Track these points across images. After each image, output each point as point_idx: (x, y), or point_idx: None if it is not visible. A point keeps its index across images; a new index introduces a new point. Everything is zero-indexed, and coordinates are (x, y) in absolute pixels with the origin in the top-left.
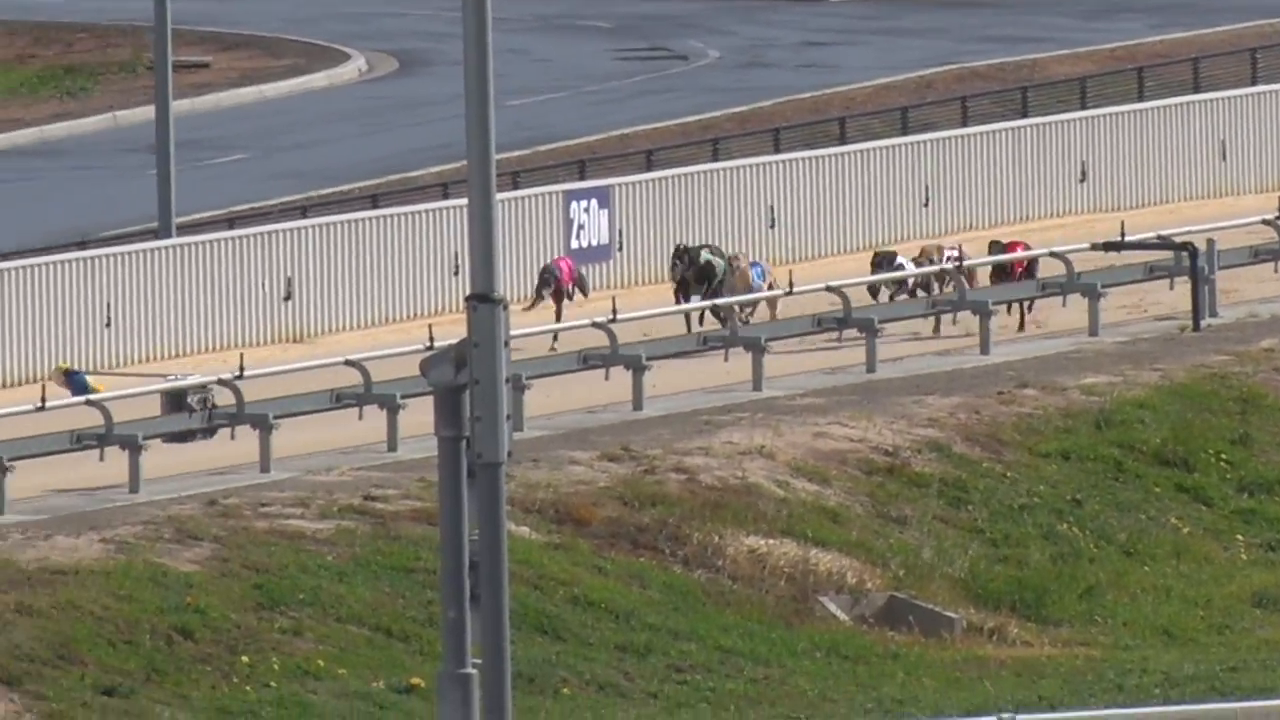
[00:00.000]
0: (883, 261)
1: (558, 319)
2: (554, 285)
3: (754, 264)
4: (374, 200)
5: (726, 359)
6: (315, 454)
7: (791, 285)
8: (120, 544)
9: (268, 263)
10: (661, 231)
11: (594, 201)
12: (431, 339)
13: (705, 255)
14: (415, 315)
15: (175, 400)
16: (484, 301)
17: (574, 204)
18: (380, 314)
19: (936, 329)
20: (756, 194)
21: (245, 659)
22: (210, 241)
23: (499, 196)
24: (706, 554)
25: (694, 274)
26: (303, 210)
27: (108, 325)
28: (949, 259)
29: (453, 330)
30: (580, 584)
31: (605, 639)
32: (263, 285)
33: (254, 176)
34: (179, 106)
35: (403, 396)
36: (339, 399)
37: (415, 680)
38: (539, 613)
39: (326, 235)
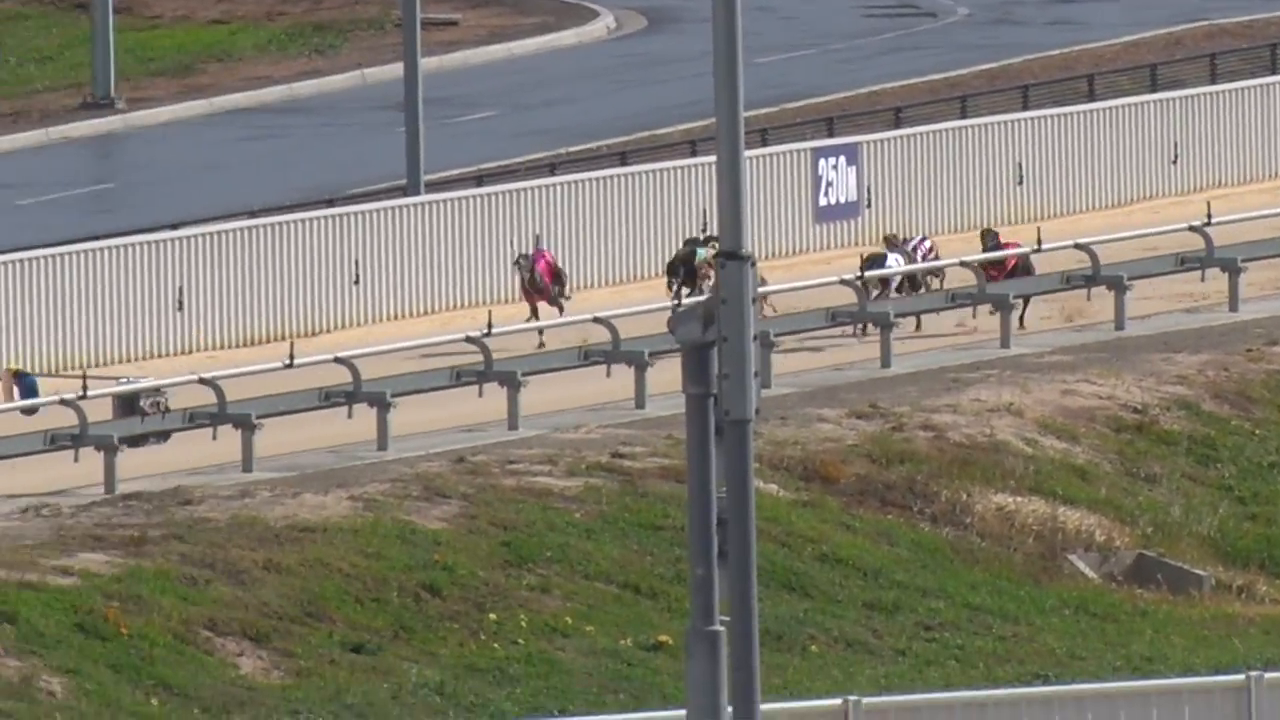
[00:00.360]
0: (873, 263)
1: (534, 316)
2: (529, 273)
3: None
4: (622, 158)
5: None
6: (563, 411)
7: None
8: (368, 501)
9: (516, 220)
10: (910, 188)
11: (842, 158)
12: (679, 296)
13: (701, 252)
14: (663, 272)
15: (128, 404)
16: (732, 258)
17: (822, 161)
18: (628, 271)
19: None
20: (1004, 151)
21: (493, 616)
22: (458, 199)
23: (747, 153)
24: (954, 511)
25: (680, 257)
26: (551, 168)
27: (356, 282)
28: (919, 251)
29: (702, 286)
30: (828, 541)
31: (853, 596)
32: (511, 242)
33: (502, 134)
34: (427, 64)
35: (651, 353)
36: (587, 356)
37: (663, 637)
38: (787, 570)
39: (574, 193)
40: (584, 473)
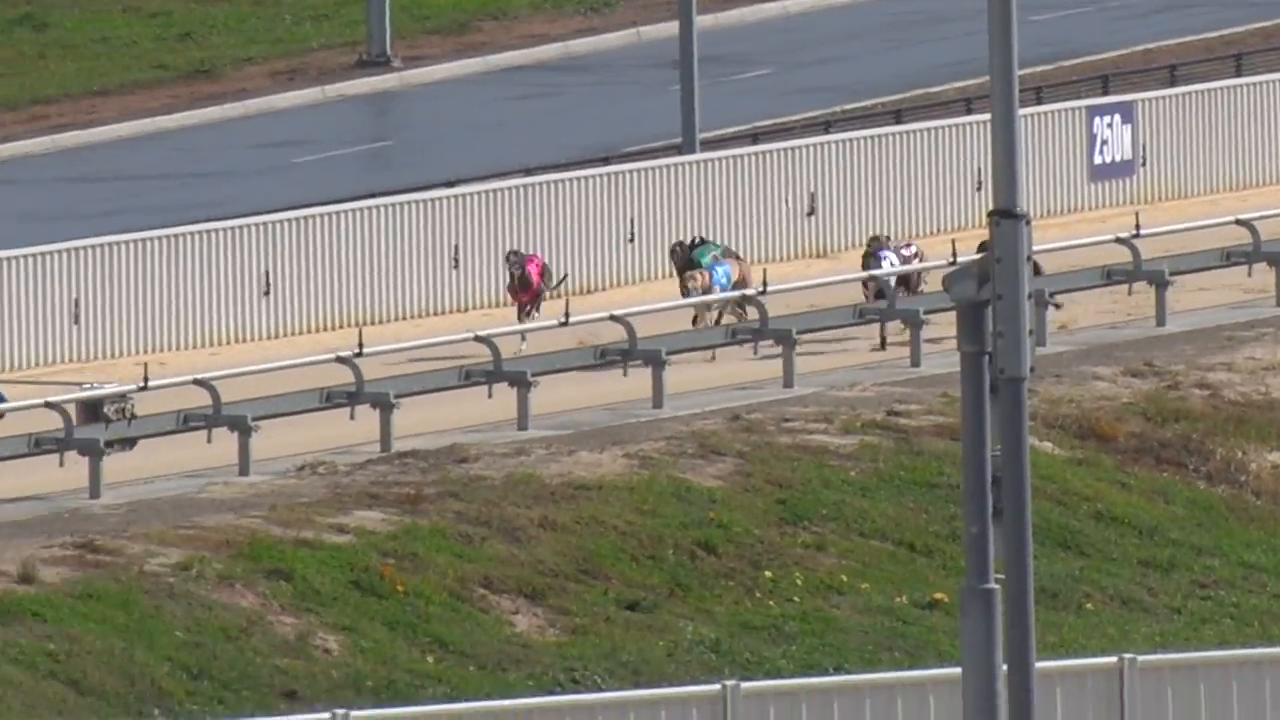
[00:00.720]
0: (872, 256)
1: (521, 317)
2: (520, 273)
3: (717, 263)
4: (897, 116)
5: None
6: (838, 369)
7: (765, 286)
8: (644, 459)
9: (790, 178)
10: (1184, 147)
11: (1117, 117)
12: (954, 254)
13: (701, 254)
14: (938, 230)
15: (91, 410)
16: (1007, 216)
17: (1097, 119)
18: (904, 229)
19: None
20: None
21: (768, 574)
22: (733, 157)
23: (1021, 112)
24: (1229, 469)
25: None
26: (825, 126)
27: (631, 240)
28: (903, 256)
29: (976, 245)
30: (1103, 499)
31: (1128, 554)
32: (786, 201)
33: (776, 92)
34: (702, 22)
35: (925, 312)
36: (861, 314)
37: (938, 595)
38: (1062, 528)
39: (849, 151)
40: (859, 430)
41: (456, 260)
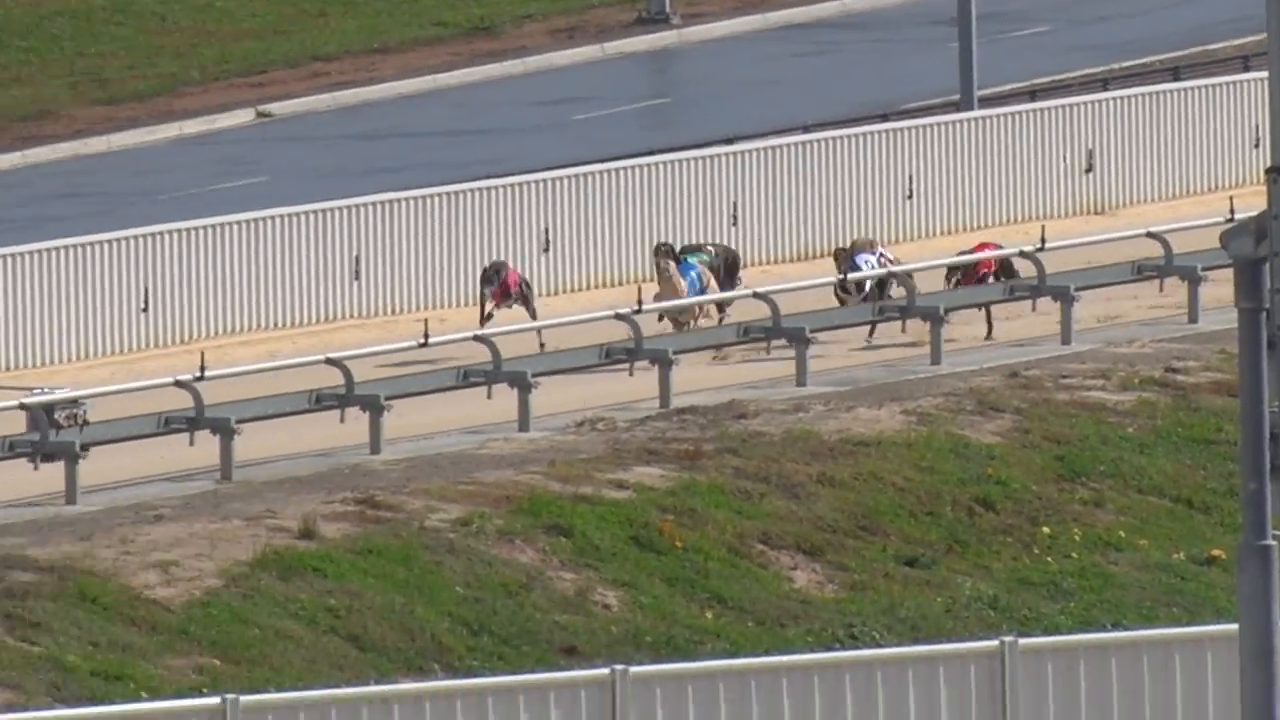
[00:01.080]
0: (843, 259)
1: (482, 321)
2: (496, 285)
3: (688, 266)
4: (1175, 73)
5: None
6: (1115, 326)
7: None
8: (922, 415)
9: (1069, 135)
10: None
11: None
12: (1232, 211)
13: (695, 256)
14: (1215, 187)
15: (42, 415)
16: None
17: None
18: (1180, 186)
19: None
20: None
21: (1046, 530)
22: (1011, 114)
23: None
24: None
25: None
26: (1104, 83)
27: (909, 198)
28: (881, 260)
29: (1253, 203)
30: None
31: None
32: (1064, 157)
33: (1055, 49)
34: None
35: (1204, 269)
36: (1139, 270)
37: (1216, 552)
38: None
39: (1127, 107)
40: (1137, 387)
41: (735, 217)
